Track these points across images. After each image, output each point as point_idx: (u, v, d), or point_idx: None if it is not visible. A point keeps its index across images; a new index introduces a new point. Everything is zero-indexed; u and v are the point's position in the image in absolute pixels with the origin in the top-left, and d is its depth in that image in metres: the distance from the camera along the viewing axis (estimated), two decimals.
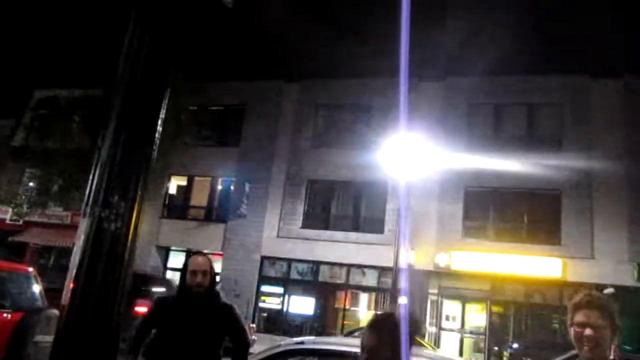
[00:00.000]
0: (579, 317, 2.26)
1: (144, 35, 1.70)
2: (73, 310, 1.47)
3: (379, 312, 2.26)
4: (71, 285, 1.51)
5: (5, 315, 6.26)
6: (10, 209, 24.05)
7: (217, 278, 21.25)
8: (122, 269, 1.52)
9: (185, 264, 3.63)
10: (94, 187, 1.59)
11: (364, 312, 19.90)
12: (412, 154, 15.52)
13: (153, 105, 1.69)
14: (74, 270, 1.52)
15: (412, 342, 2.34)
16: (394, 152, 15.64)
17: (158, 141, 1.70)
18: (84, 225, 1.56)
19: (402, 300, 17.84)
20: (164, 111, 1.73)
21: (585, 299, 2.31)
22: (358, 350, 3.89)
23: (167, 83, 1.75)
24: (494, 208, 18.40)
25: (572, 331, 2.30)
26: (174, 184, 23.44)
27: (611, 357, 2.22)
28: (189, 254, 22.34)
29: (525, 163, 17.35)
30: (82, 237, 1.55)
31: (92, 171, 1.62)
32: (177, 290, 3.63)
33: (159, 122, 1.70)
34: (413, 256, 18.12)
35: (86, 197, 1.60)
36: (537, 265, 17.23)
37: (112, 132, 1.62)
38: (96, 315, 1.45)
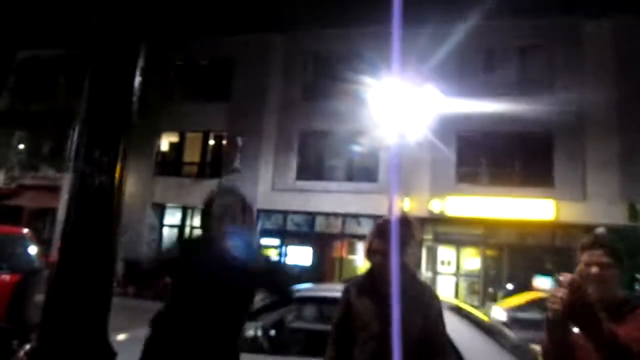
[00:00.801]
0: (585, 257, 2.31)
1: None
2: (63, 264, 1.47)
3: (384, 218, 2.51)
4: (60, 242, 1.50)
5: (3, 277, 6.32)
6: (1, 173, 23.96)
7: None
8: (109, 223, 1.51)
9: (211, 201, 2.72)
10: (75, 142, 1.57)
11: (360, 260, 20.21)
12: (403, 101, 15.41)
13: (129, 60, 1.64)
14: (62, 226, 1.51)
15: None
16: (385, 99, 15.52)
17: (138, 94, 1.66)
18: (69, 181, 1.55)
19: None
20: (142, 65, 1.68)
21: (590, 240, 2.36)
22: None
23: (142, 36, 1.69)
24: (486, 153, 18.45)
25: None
26: (166, 141, 23.29)
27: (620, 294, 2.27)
28: (185, 210, 22.46)
29: (517, 106, 17.27)
30: (68, 193, 1.54)
31: (74, 128, 1.60)
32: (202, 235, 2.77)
33: (136, 76, 1.66)
34: (407, 203, 18.27)
35: (69, 153, 1.58)
36: (530, 207, 17.44)
37: (89, 88, 1.59)
38: (86, 268, 1.46)
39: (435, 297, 2.67)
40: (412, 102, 15.55)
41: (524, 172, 17.97)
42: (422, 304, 2.59)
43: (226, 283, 2.63)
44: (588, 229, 16.90)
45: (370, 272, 2.70)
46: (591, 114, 17.35)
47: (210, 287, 2.61)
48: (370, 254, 2.65)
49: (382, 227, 2.64)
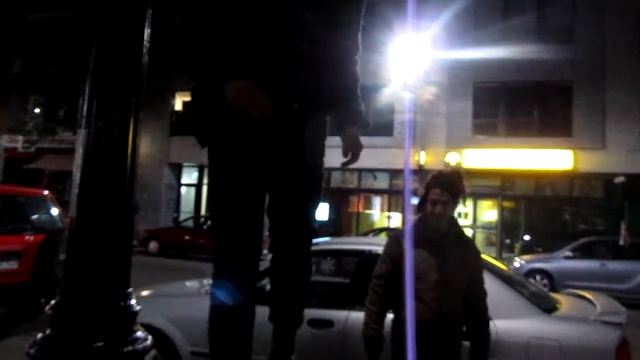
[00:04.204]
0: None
1: None
2: (81, 220, 1.47)
3: (441, 170, 2.66)
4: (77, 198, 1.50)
5: (28, 237, 6.47)
6: (20, 138, 24.23)
7: None
8: (125, 178, 1.50)
9: None
10: (87, 97, 1.54)
11: (377, 215, 20.33)
12: (418, 52, 15.12)
13: (137, 9, 1.59)
14: (78, 182, 1.51)
15: None
16: (400, 50, 15.23)
17: (148, 45, 1.62)
18: (81, 136, 1.53)
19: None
20: (150, 13, 1.63)
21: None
22: (370, 247, 3.98)
23: None
24: (503, 103, 18.14)
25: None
26: (180, 101, 23.24)
27: None
28: (201, 169, 22.61)
29: (536, 55, 16.83)
30: (81, 149, 1.53)
31: (85, 81, 1.57)
32: None
33: (146, 24, 1.61)
34: (424, 156, 18.17)
35: (81, 108, 1.56)
36: (548, 158, 17.25)
37: (98, 40, 1.55)
38: (104, 222, 1.46)
39: (478, 250, 2.80)
40: (427, 52, 15.25)
41: (542, 122, 17.68)
42: (470, 255, 2.70)
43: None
44: (607, 178, 16.87)
45: (420, 223, 2.71)
46: (612, 61, 16.88)
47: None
48: (427, 203, 2.66)
49: (441, 178, 2.70)
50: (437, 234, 2.63)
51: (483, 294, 2.71)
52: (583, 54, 16.93)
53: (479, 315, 2.69)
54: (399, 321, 2.63)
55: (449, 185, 2.66)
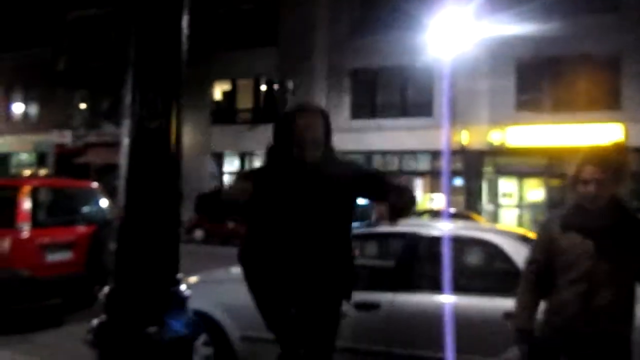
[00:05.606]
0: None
1: None
2: (129, 209, 1.50)
3: (595, 145, 2.52)
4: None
5: (80, 229, 6.68)
6: (68, 132, 25.03)
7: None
8: (169, 166, 1.52)
9: (286, 120, 2.48)
10: (130, 87, 1.57)
11: (419, 196, 20.09)
12: (458, 28, 14.79)
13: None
14: (124, 171, 1.54)
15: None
16: (440, 27, 14.93)
17: (187, 32, 1.62)
18: (127, 126, 1.55)
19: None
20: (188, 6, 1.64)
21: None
22: (414, 229, 3.94)
23: None
24: (548, 78, 17.53)
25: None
26: (219, 90, 23.48)
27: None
28: (243, 157, 22.84)
29: (580, 26, 16.17)
30: (127, 138, 1.55)
31: (128, 72, 1.59)
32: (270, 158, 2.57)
33: (184, 14, 1.62)
34: (466, 136, 17.82)
35: (126, 99, 1.58)
36: (597, 132, 16.61)
37: (136, 28, 1.57)
38: (151, 210, 1.48)
39: None
40: (467, 28, 14.91)
41: (589, 95, 17.00)
42: (637, 241, 2.36)
43: (319, 199, 2.42)
44: None
45: (576, 205, 2.44)
46: None
47: (301, 208, 2.40)
48: (579, 184, 2.40)
49: (595, 154, 2.45)
50: (591, 217, 2.35)
51: None
52: (630, 21, 16.17)
53: None
54: (549, 312, 2.45)
55: (603, 162, 2.35)
